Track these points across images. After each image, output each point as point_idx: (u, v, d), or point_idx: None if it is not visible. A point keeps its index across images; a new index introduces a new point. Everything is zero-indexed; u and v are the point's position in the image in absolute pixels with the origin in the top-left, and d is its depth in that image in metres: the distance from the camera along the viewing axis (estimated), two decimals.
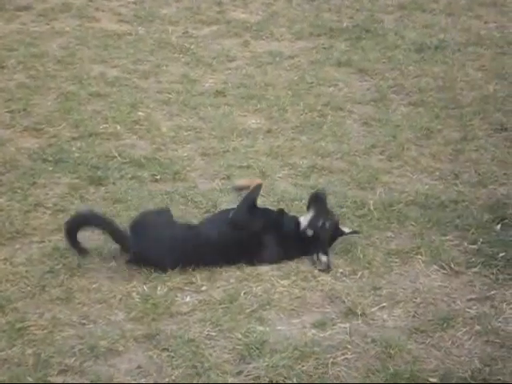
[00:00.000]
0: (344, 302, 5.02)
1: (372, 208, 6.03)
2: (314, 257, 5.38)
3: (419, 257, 5.48)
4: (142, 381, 4.37)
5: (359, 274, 5.29)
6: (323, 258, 5.33)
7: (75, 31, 9.64)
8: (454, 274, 5.34)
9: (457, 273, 5.34)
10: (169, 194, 6.23)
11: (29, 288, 5.11)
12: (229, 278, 5.24)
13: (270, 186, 6.35)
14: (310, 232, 5.45)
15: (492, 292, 5.13)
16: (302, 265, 5.37)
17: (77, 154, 6.81)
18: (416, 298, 5.07)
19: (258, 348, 4.57)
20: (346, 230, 5.56)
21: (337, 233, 5.51)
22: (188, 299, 5.03)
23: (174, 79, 8.45)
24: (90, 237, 5.62)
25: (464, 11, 10.48)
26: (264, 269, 5.26)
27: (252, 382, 4.37)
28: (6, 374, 4.37)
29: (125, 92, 8.06)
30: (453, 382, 4.35)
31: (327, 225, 5.47)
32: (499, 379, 4.36)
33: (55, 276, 5.21)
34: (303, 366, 4.45)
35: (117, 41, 9.42)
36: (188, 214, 5.97)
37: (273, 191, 6.25)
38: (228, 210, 5.54)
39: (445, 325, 4.80)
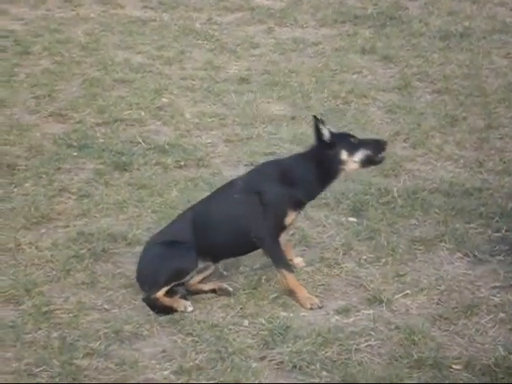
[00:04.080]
0: (367, 288, 5.01)
1: (396, 195, 6.02)
2: None
3: (443, 244, 5.47)
4: (167, 365, 4.39)
5: (383, 261, 5.29)
6: None
7: (100, 17, 9.69)
8: (478, 261, 5.32)
9: (481, 260, 5.32)
10: (193, 181, 6.26)
11: (54, 272, 5.15)
12: (252, 265, 5.25)
13: None
14: None
15: None
16: (326, 252, 5.37)
17: (101, 140, 6.85)
18: (440, 286, 5.05)
19: (281, 334, 4.58)
20: None
21: None
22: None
23: (198, 66, 8.47)
24: (114, 222, 5.68)
25: None
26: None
27: (275, 367, 4.38)
28: (32, 357, 4.41)
29: (149, 78, 8.09)
30: (476, 369, 4.34)
31: None
32: None
33: (80, 260, 5.25)
34: (326, 352, 4.46)
35: (141, 27, 9.45)
36: None
37: None
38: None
39: (469, 312, 4.79)
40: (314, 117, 5.00)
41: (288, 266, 4.95)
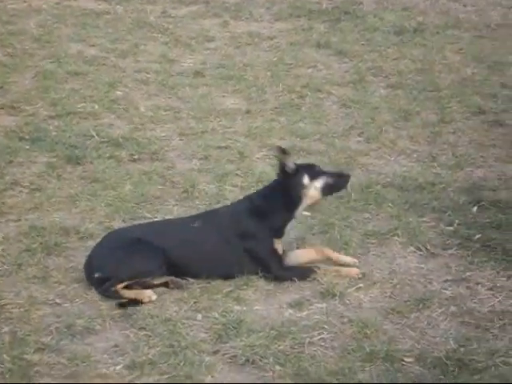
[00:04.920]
0: (321, 282, 5.02)
1: (350, 189, 6.02)
2: None
3: (396, 238, 5.50)
4: (119, 359, 4.37)
5: None
6: None
7: (53, 9, 9.60)
8: (431, 255, 5.36)
9: (433, 254, 5.36)
10: (147, 174, 6.23)
11: (5, 266, 5.10)
12: None
13: (249, 167, 6.36)
14: None
15: (467, 273, 5.15)
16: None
17: (54, 133, 6.79)
18: (392, 279, 5.08)
19: (234, 327, 4.58)
20: None
21: None
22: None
23: (153, 59, 8.43)
24: (66, 215, 5.64)
25: None
26: None
27: (229, 361, 4.38)
28: None
29: (103, 71, 8.04)
30: (428, 361, 4.38)
31: None
32: (474, 359, 4.38)
33: (32, 255, 5.20)
34: (280, 346, 4.46)
35: (95, 19, 9.38)
36: (166, 194, 5.97)
37: (251, 172, 6.26)
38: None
39: (421, 305, 4.83)
40: (279, 148, 5.12)
41: (309, 270, 5.06)
